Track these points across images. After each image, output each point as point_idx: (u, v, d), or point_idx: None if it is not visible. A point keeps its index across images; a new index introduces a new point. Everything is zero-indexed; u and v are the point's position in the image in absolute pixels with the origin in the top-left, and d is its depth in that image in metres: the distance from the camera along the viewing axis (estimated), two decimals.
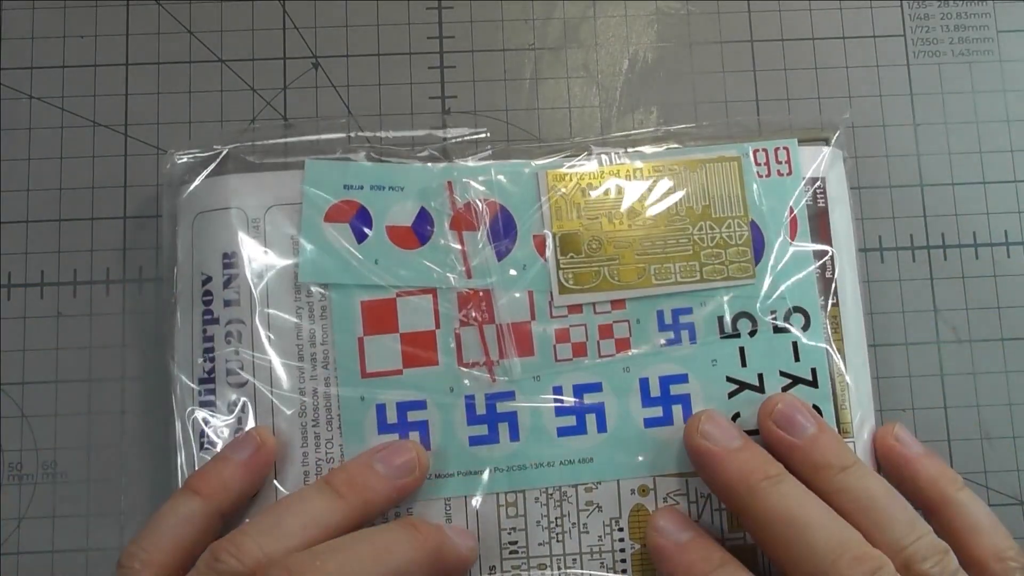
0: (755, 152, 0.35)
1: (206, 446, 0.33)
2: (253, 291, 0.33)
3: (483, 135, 0.36)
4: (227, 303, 0.33)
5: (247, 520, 0.31)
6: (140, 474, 0.35)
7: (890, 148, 0.38)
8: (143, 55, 0.38)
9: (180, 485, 0.32)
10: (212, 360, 0.33)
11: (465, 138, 0.36)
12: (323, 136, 0.36)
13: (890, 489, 0.30)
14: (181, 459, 0.33)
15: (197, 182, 0.34)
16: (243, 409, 0.33)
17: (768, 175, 0.34)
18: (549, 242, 0.34)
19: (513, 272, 0.34)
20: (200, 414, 0.33)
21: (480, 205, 0.34)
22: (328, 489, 0.30)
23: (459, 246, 0.34)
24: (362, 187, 0.34)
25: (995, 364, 0.36)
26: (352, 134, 0.36)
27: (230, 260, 0.34)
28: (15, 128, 0.37)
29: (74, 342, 0.36)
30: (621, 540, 0.33)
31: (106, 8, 0.38)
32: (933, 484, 0.30)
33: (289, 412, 0.33)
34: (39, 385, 0.36)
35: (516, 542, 0.33)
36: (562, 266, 0.34)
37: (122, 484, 0.35)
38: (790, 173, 0.34)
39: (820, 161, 0.35)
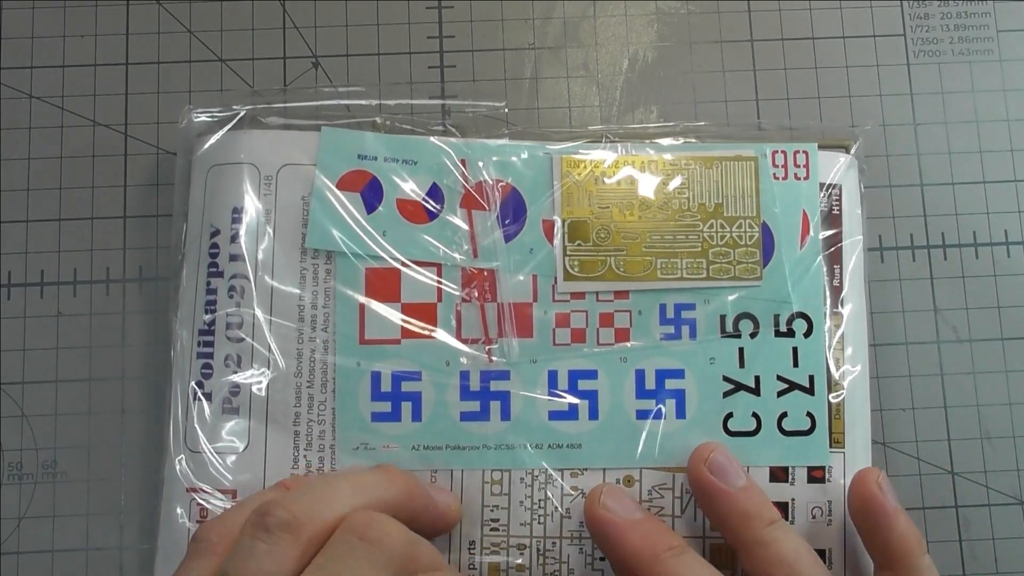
0: (773, 154, 0.34)
1: (200, 399, 0.33)
2: (259, 248, 0.34)
3: (502, 107, 0.36)
4: (232, 257, 0.34)
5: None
6: (140, 474, 0.35)
7: (890, 148, 0.38)
8: (143, 55, 0.38)
9: (173, 447, 0.32)
10: (213, 313, 0.33)
11: (482, 105, 0.36)
12: (343, 101, 0.36)
13: (810, 549, 0.30)
14: (178, 415, 0.33)
15: (214, 138, 0.34)
16: (239, 364, 0.33)
17: (785, 178, 0.34)
18: (558, 228, 0.34)
19: (519, 256, 0.34)
20: (197, 366, 0.33)
21: (492, 186, 0.34)
22: (379, 469, 0.31)
23: (468, 226, 0.34)
24: (376, 158, 0.34)
25: (995, 364, 0.36)
26: (375, 102, 0.36)
27: (239, 215, 0.34)
28: (15, 128, 0.37)
29: (74, 342, 0.36)
30: None
31: (106, 8, 0.38)
32: (903, 541, 0.30)
33: (284, 371, 0.33)
34: (39, 385, 0.36)
35: (498, 520, 0.33)
36: (569, 253, 0.34)
37: (122, 484, 0.35)
38: (807, 177, 0.34)
39: (838, 168, 0.34)
